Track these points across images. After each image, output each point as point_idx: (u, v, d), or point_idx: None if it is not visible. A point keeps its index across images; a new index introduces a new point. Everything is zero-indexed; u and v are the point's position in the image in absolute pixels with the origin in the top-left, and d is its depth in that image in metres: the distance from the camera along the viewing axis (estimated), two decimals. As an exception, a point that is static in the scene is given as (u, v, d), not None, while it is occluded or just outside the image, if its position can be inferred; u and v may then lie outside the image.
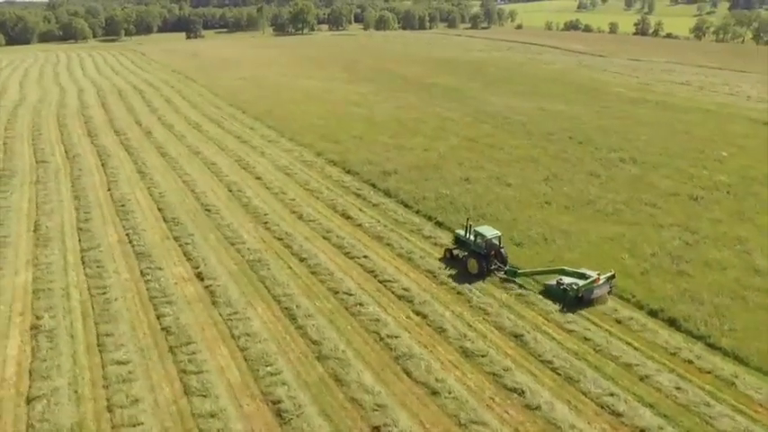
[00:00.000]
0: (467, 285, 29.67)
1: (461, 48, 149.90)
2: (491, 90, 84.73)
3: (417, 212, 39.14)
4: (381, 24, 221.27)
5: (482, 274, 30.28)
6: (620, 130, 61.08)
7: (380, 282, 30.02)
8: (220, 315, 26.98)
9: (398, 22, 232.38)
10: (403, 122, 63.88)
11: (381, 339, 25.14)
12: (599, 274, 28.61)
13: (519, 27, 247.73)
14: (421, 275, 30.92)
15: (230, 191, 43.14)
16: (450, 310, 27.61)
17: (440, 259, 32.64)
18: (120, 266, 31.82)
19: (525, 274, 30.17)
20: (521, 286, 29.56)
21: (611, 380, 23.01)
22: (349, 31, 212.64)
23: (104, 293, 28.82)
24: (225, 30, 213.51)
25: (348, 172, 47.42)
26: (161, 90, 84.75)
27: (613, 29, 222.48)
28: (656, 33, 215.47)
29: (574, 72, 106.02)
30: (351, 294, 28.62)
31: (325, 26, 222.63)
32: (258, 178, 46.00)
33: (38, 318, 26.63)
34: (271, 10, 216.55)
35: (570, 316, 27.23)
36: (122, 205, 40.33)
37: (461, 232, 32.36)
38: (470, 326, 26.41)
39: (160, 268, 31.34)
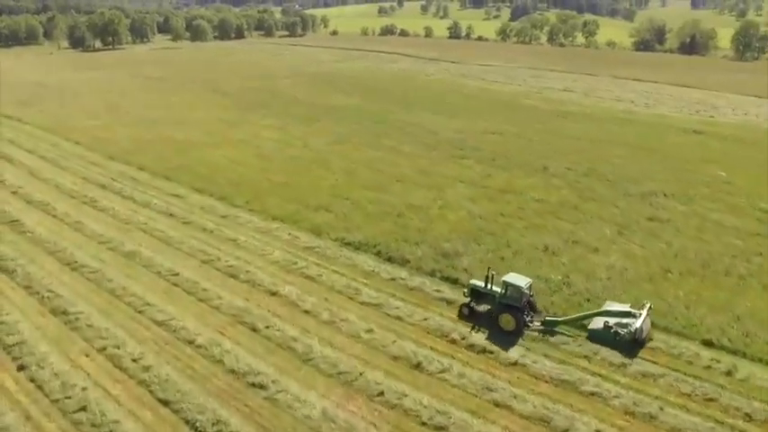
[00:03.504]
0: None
1: (310, 58, 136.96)
2: (412, 111, 74.49)
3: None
4: (198, 34, 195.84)
5: (519, 331, 26.35)
6: (600, 155, 55.71)
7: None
8: None
9: (215, 31, 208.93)
10: (370, 167, 50.33)
11: None
12: (635, 308, 26.37)
13: (334, 33, 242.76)
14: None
15: (254, 330, 26.43)
16: None
17: (458, 316, 27.77)
18: None
19: (566, 322, 26.78)
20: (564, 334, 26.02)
21: None
22: (163, 45, 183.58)
23: None
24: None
25: (389, 260, 33.19)
26: (-23, 143, 57.67)
27: (429, 33, 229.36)
28: (467, 36, 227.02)
29: (462, 83, 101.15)
30: None
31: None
32: (274, 294, 29.52)
33: None
34: (64, 20, 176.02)
35: None
36: (81, 408, 21.43)
37: (479, 283, 28.18)
38: None
39: None
